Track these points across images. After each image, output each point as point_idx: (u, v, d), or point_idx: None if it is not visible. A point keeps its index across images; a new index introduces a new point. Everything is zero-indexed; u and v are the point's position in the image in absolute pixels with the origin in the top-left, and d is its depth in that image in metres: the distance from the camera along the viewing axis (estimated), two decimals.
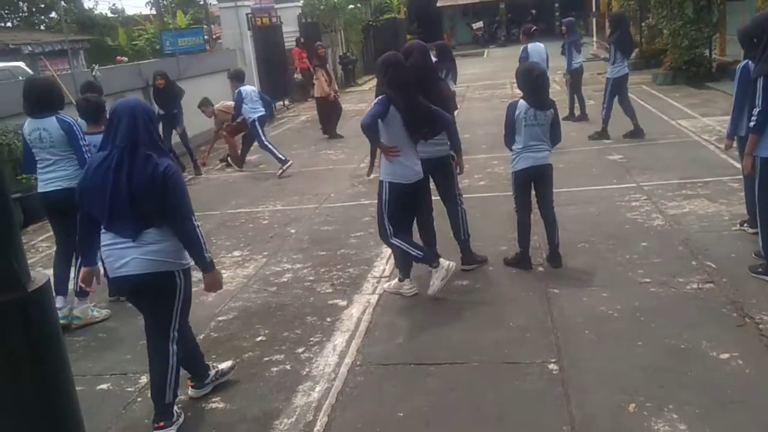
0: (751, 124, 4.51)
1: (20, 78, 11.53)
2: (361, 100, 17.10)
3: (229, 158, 10.60)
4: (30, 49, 18.95)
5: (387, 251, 5.39)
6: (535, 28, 10.80)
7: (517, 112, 4.86)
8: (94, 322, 4.95)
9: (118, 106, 3.34)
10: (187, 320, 3.59)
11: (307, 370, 3.99)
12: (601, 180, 7.39)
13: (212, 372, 3.83)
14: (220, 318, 4.86)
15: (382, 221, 4.72)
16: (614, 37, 9.23)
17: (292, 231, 6.83)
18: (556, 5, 32.85)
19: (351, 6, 22.14)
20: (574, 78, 10.65)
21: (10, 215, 1.83)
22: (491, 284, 4.98)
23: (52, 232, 7.65)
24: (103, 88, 7.10)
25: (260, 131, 9.65)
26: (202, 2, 22.57)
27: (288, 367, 4.06)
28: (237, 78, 9.94)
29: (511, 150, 5.03)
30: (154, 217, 3.27)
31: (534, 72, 4.90)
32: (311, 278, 5.47)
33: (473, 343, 4.11)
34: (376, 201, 4.79)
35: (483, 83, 17.95)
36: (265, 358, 4.18)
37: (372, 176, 5.94)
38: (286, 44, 17.56)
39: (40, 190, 4.90)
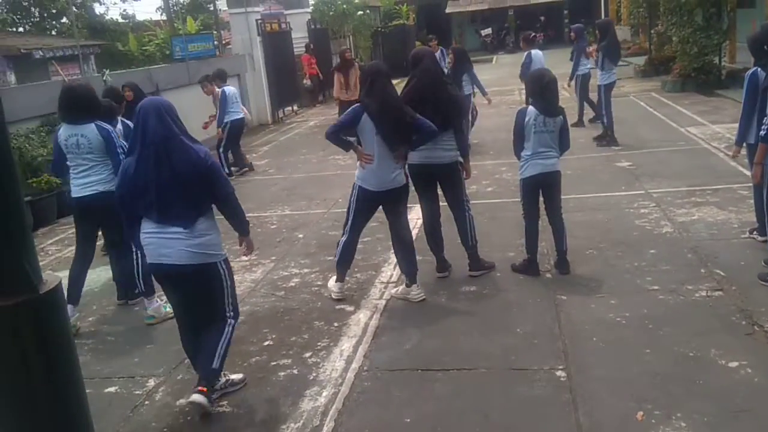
0: (762, 132, 4.50)
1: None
2: None
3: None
4: (41, 53, 19.06)
5: (394, 257, 5.39)
6: (534, 35, 10.90)
7: (526, 119, 4.86)
8: (166, 319, 4.86)
9: (141, 107, 3.47)
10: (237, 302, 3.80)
11: (314, 374, 4.00)
12: (609, 187, 7.37)
13: (222, 380, 3.82)
14: None
15: (346, 219, 4.94)
16: (602, 45, 9.40)
17: (300, 236, 6.86)
18: (565, 12, 32.91)
19: (360, 12, 22.18)
20: (583, 83, 10.68)
21: (22, 218, 1.85)
22: (499, 290, 4.97)
23: (61, 236, 7.85)
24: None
25: (226, 136, 9.67)
26: (212, 8, 22.66)
27: (295, 371, 4.06)
28: (220, 77, 9.89)
29: (520, 158, 5.03)
30: (204, 200, 3.51)
31: (545, 78, 4.88)
32: (319, 283, 5.48)
33: (481, 349, 4.10)
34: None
35: (491, 89, 17.62)
36: (273, 363, 4.19)
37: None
38: (295, 50, 17.65)
39: (74, 195, 4.91)
